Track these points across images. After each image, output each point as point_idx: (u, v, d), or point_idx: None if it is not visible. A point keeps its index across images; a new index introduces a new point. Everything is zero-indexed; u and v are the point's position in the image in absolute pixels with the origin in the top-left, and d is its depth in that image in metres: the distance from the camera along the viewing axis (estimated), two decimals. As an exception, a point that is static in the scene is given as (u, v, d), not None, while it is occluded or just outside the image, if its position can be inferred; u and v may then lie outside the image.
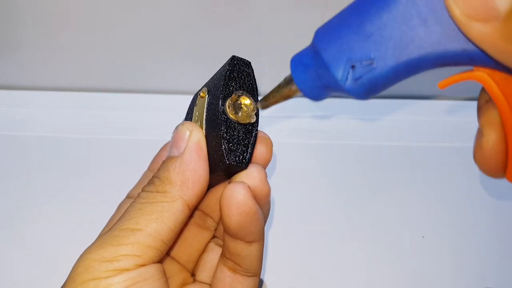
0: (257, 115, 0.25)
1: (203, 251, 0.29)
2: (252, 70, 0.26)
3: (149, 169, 0.32)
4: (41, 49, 0.46)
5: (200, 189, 0.24)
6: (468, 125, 0.46)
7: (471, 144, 0.48)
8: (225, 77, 0.25)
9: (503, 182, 0.44)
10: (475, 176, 0.43)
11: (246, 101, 0.25)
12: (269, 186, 0.25)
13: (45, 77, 0.47)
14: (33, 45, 0.45)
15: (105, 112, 0.45)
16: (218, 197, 0.26)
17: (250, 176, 0.24)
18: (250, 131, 0.25)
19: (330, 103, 0.47)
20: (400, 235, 0.39)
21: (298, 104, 0.46)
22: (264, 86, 0.48)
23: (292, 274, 0.37)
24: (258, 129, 0.25)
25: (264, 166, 0.26)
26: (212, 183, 0.26)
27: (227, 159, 0.24)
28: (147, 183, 0.25)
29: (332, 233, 0.39)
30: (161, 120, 0.45)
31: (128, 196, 0.32)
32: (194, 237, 0.28)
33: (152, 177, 0.25)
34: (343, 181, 0.42)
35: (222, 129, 0.24)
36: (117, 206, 0.39)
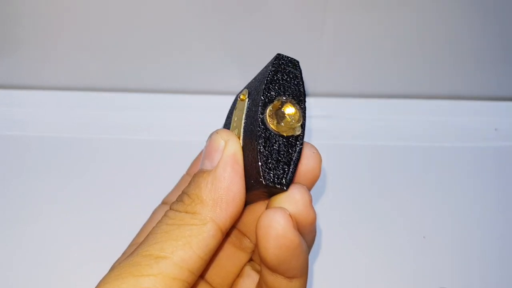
0: (303, 126, 0.21)
1: (239, 275, 0.26)
2: (300, 72, 0.23)
3: (187, 173, 0.29)
4: (40, 48, 0.45)
5: (235, 211, 0.21)
6: (468, 125, 0.46)
7: (471, 144, 0.48)
8: (266, 80, 0.21)
9: (504, 182, 0.44)
10: (475, 176, 0.42)
11: (290, 109, 0.21)
12: (314, 212, 0.22)
13: (45, 76, 0.47)
14: (32, 44, 0.45)
15: (105, 112, 0.45)
16: (257, 216, 0.23)
17: (291, 200, 0.21)
18: (293, 145, 0.21)
19: (331, 103, 0.47)
20: (401, 235, 0.39)
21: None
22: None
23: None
24: (304, 141, 0.22)
25: (310, 186, 0.23)
26: (250, 201, 0.23)
27: (264, 178, 0.20)
28: (176, 200, 0.22)
29: (331, 233, 0.39)
30: (162, 120, 0.45)
31: (163, 202, 0.29)
32: (229, 258, 0.25)
33: (182, 193, 0.22)
34: (343, 181, 0.42)
35: (259, 142, 0.21)
36: (116, 206, 0.39)
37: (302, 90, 0.22)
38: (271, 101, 0.21)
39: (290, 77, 0.22)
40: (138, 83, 0.48)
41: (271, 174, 0.20)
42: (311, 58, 0.46)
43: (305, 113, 0.21)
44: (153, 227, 0.21)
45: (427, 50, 0.46)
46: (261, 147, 0.21)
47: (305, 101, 0.22)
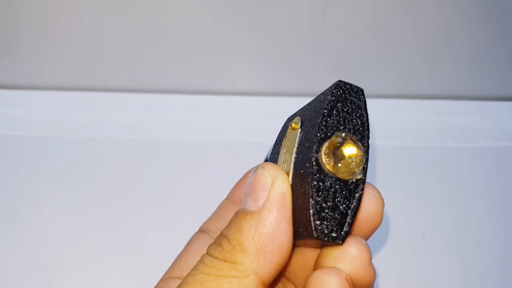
0: (364, 169, 0.18)
1: None
2: (365, 102, 0.19)
3: (228, 198, 0.26)
4: (40, 48, 0.45)
5: (280, 261, 0.18)
6: (468, 125, 0.46)
7: (472, 144, 0.48)
8: (324, 112, 0.18)
9: (504, 182, 0.44)
10: (476, 176, 0.42)
11: (351, 148, 0.18)
12: (374, 271, 0.19)
13: (45, 76, 0.47)
14: (32, 44, 0.45)
15: (105, 112, 0.45)
16: (306, 263, 0.21)
17: (348, 258, 0.18)
18: (352, 191, 0.18)
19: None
20: (401, 235, 0.39)
21: (299, 103, 0.46)
22: (266, 85, 0.48)
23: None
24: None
25: (368, 236, 0.20)
26: (298, 245, 0.21)
27: (315, 230, 0.17)
28: (214, 244, 0.19)
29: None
30: (162, 120, 0.45)
31: (201, 230, 0.27)
32: None
33: (221, 235, 0.19)
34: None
35: (312, 186, 0.18)
36: (116, 206, 0.39)
37: (366, 125, 0.19)
38: (328, 137, 0.18)
39: (352, 109, 0.19)
40: (138, 83, 0.48)
41: (324, 226, 0.17)
42: (310, 57, 0.46)
43: (368, 153, 0.19)
44: (188, 274, 0.19)
45: (427, 50, 0.46)
46: (314, 192, 0.17)
47: (368, 138, 0.19)
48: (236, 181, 0.25)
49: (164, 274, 0.23)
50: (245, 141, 0.44)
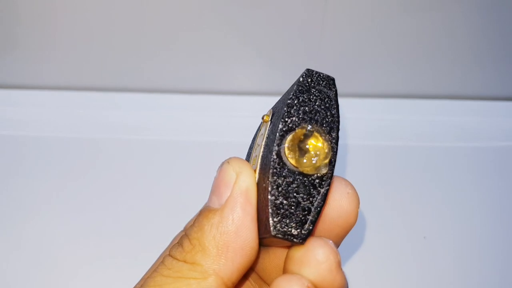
0: (331, 163, 0.17)
1: None
2: (336, 92, 0.18)
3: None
4: (40, 47, 0.45)
5: (244, 262, 0.17)
6: (469, 125, 0.46)
7: (472, 144, 0.48)
8: (288, 103, 0.17)
9: (504, 182, 0.44)
10: (476, 176, 0.42)
11: (316, 141, 0.17)
12: (343, 277, 0.17)
13: (45, 76, 0.47)
14: (32, 43, 0.45)
15: (105, 112, 0.45)
16: (279, 264, 0.20)
17: (312, 262, 0.16)
18: (316, 187, 0.17)
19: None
20: (401, 235, 0.39)
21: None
22: (266, 85, 0.48)
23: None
24: (336, 176, 0.18)
25: (339, 239, 0.18)
26: (268, 245, 0.20)
27: (273, 228, 0.16)
28: (177, 243, 0.18)
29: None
30: (162, 119, 0.45)
31: (185, 228, 0.26)
32: None
33: (184, 234, 0.18)
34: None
35: (272, 182, 0.17)
36: (117, 206, 0.39)
37: (335, 116, 0.18)
38: (292, 129, 0.17)
39: (321, 99, 0.18)
40: (138, 83, 0.48)
41: (283, 223, 0.16)
42: (310, 57, 0.46)
43: (336, 146, 0.17)
44: (149, 276, 0.18)
45: (427, 50, 0.46)
46: (274, 187, 0.17)
47: (338, 130, 0.17)
48: None
49: (145, 274, 0.23)
50: (245, 141, 0.43)
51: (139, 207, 0.39)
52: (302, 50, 0.45)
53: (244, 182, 0.17)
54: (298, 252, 0.17)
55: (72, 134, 0.43)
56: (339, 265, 0.17)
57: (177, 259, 0.18)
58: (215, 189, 0.18)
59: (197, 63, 0.47)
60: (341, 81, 0.48)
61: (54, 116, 0.45)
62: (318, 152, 0.17)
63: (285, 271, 0.18)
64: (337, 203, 0.18)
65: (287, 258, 0.17)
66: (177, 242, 0.18)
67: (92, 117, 0.45)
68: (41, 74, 0.47)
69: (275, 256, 0.20)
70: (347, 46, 0.46)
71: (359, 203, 0.18)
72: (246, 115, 0.46)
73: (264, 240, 0.18)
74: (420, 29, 0.45)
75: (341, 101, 0.47)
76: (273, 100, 0.49)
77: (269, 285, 0.21)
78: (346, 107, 0.46)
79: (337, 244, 0.19)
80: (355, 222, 0.18)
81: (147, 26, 0.44)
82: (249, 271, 0.21)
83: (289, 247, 0.18)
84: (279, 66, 0.46)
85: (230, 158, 0.19)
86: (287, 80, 0.47)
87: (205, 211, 0.18)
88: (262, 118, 0.20)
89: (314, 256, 0.16)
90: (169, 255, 0.18)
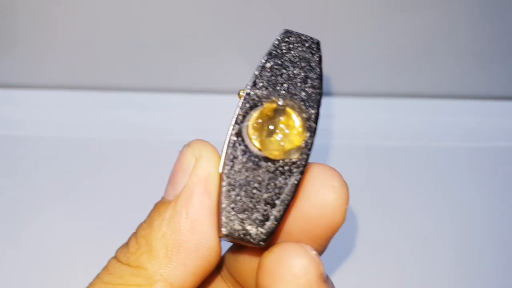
0: (308, 146, 0.14)
1: None
2: (320, 58, 0.15)
3: None
4: (40, 46, 0.45)
5: (200, 265, 0.14)
6: (469, 125, 0.46)
7: (472, 144, 0.48)
8: (255, 73, 0.14)
9: (505, 182, 0.44)
10: (476, 176, 0.42)
11: (289, 119, 0.13)
12: None
13: (44, 75, 0.47)
14: (32, 43, 0.45)
15: (105, 112, 0.45)
16: (254, 268, 0.16)
17: (287, 276, 0.13)
18: (284, 175, 0.13)
19: (331, 103, 0.47)
20: (402, 236, 0.39)
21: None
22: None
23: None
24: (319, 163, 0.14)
25: (325, 242, 0.15)
26: (236, 244, 0.16)
27: (225, 225, 0.13)
28: (125, 243, 0.15)
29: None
30: (163, 119, 0.45)
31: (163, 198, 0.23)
32: None
33: (133, 232, 0.16)
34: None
35: (227, 167, 0.14)
36: (117, 206, 0.39)
37: (316, 88, 0.14)
38: (259, 103, 0.14)
39: (299, 67, 0.14)
40: (139, 82, 0.48)
41: (237, 220, 0.13)
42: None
43: (315, 126, 0.14)
44: (90, 283, 0.15)
45: (427, 49, 0.46)
46: (229, 175, 0.13)
47: (319, 106, 0.14)
48: None
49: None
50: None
51: (140, 206, 0.39)
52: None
53: (203, 168, 0.14)
54: (270, 262, 0.13)
55: (71, 134, 0.43)
56: (321, 278, 0.13)
57: (121, 261, 0.15)
58: (171, 177, 0.15)
59: (198, 63, 0.47)
60: (341, 81, 0.48)
61: (54, 116, 0.45)
62: (289, 132, 0.13)
63: (257, 284, 0.14)
64: (320, 198, 0.14)
65: (258, 268, 0.14)
66: (125, 243, 0.15)
67: (92, 117, 0.45)
68: (40, 74, 0.47)
69: (250, 260, 0.16)
70: (347, 46, 0.46)
71: (348, 199, 0.15)
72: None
73: (232, 240, 0.15)
74: (420, 29, 0.44)
75: (341, 101, 0.47)
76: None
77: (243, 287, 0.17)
78: (346, 107, 0.46)
79: (321, 249, 0.16)
80: (342, 222, 0.15)
81: (148, 25, 0.44)
82: (227, 276, 0.17)
83: (258, 251, 0.14)
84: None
85: (192, 140, 0.15)
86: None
87: (158, 204, 0.15)
88: (238, 94, 0.16)
89: (289, 269, 0.13)
90: (115, 257, 0.16)
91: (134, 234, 0.15)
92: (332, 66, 0.47)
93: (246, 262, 0.16)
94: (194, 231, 0.14)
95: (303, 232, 0.15)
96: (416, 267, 0.37)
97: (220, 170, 0.14)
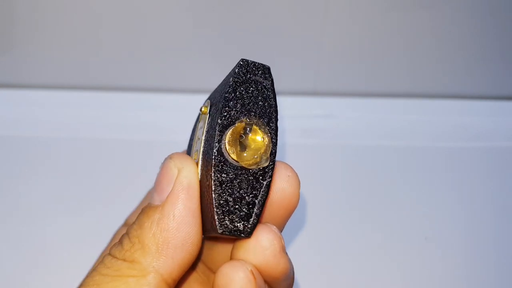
0: (272, 154, 0.17)
1: None
2: (272, 81, 0.18)
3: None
4: (38, 46, 0.45)
5: (185, 258, 0.17)
6: (470, 125, 0.46)
7: (472, 144, 0.48)
8: (225, 96, 0.17)
9: (505, 182, 0.44)
10: (477, 176, 0.42)
11: (256, 133, 0.17)
12: (287, 261, 0.18)
13: (44, 75, 0.47)
14: (30, 42, 0.45)
15: (105, 112, 0.45)
16: (228, 255, 0.20)
17: (257, 248, 0.17)
18: (259, 180, 0.17)
19: (331, 102, 0.47)
20: (403, 236, 0.39)
21: (298, 103, 0.46)
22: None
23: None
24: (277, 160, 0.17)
25: (283, 221, 0.19)
26: (211, 240, 0.20)
27: (220, 226, 0.16)
28: (117, 242, 0.18)
29: (332, 234, 0.39)
30: (163, 119, 0.45)
31: (125, 224, 0.25)
32: None
33: (124, 233, 0.18)
34: (343, 181, 0.42)
35: (214, 180, 0.16)
36: (116, 206, 0.39)
37: (273, 106, 0.17)
38: (231, 124, 0.17)
39: (257, 90, 0.17)
40: (138, 82, 0.48)
41: (228, 220, 0.16)
42: (311, 56, 0.46)
43: (276, 137, 0.17)
44: (87, 275, 0.18)
45: (427, 49, 0.46)
46: (217, 185, 0.16)
47: (276, 121, 0.17)
48: None
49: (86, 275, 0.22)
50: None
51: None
52: (303, 48, 0.45)
53: (186, 177, 0.17)
54: (243, 242, 0.17)
55: (71, 134, 0.43)
56: (283, 249, 0.17)
57: (116, 257, 0.17)
58: (156, 185, 0.18)
59: (197, 63, 0.47)
60: (341, 81, 0.48)
61: (53, 116, 0.45)
62: (259, 145, 0.17)
63: (231, 258, 0.18)
64: (279, 186, 0.18)
65: (233, 247, 0.18)
66: (118, 241, 0.18)
67: (92, 117, 0.45)
68: (39, 74, 0.47)
69: (223, 247, 0.20)
70: (347, 46, 0.46)
71: (299, 185, 0.18)
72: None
73: (211, 235, 0.18)
74: (420, 29, 0.44)
75: (341, 100, 0.47)
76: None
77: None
78: (346, 106, 0.46)
79: (281, 227, 0.20)
80: (297, 203, 0.19)
81: (147, 25, 0.44)
82: (196, 262, 0.21)
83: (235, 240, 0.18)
84: (279, 66, 0.46)
85: (173, 153, 0.18)
86: (287, 80, 0.47)
87: (146, 208, 0.18)
88: (200, 109, 0.19)
89: (259, 243, 0.17)
90: (109, 254, 0.18)
91: (127, 235, 0.18)
92: (332, 66, 0.47)
93: (219, 250, 0.20)
94: (180, 230, 0.17)
95: (269, 214, 0.18)
96: (416, 267, 0.37)
97: (199, 179, 0.17)
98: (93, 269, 0.18)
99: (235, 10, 0.43)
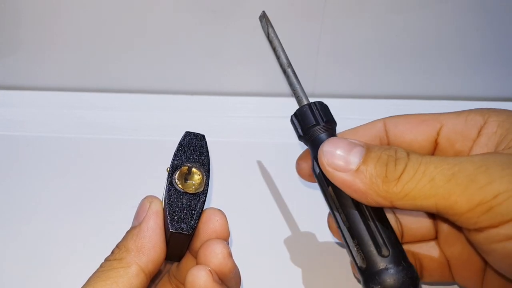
0: (206, 184, 0.27)
1: None
2: (205, 143, 0.29)
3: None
4: (40, 49, 0.46)
5: (156, 255, 0.26)
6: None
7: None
8: (175, 152, 0.28)
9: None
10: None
11: (194, 172, 0.27)
12: (232, 262, 0.26)
13: (44, 77, 0.47)
14: (32, 44, 0.45)
15: (105, 112, 0.45)
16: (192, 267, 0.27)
17: (213, 254, 0.26)
18: (196, 199, 0.27)
19: (330, 104, 0.47)
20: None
21: (297, 103, 0.46)
22: (264, 86, 0.48)
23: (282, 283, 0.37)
24: (212, 208, 0.27)
25: (225, 240, 0.27)
26: (189, 249, 0.29)
27: (171, 226, 0.25)
28: (110, 253, 0.26)
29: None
30: (163, 120, 0.45)
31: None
32: None
33: (115, 246, 0.27)
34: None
35: (168, 199, 0.26)
36: (116, 206, 0.39)
37: (205, 157, 0.28)
38: (179, 166, 0.27)
39: (196, 148, 0.28)
40: (137, 84, 0.48)
41: (177, 223, 0.26)
42: (310, 58, 0.46)
43: (208, 174, 0.27)
44: (91, 276, 0.26)
45: (427, 51, 0.46)
46: (168, 202, 0.26)
47: (208, 165, 0.28)
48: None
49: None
50: (244, 141, 0.44)
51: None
52: (301, 50, 0.46)
53: (155, 206, 0.27)
54: (205, 251, 0.26)
55: (71, 134, 0.44)
56: (230, 255, 0.26)
57: (109, 260, 0.26)
58: (136, 215, 0.27)
59: (198, 64, 0.47)
60: (341, 82, 0.48)
61: (53, 117, 0.45)
62: (196, 178, 0.27)
63: (198, 258, 0.27)
64: (212, 229, 0.27)
65: (197, 255, 0.26)
66: (110, 252, 0.26)
67: (91, 117, 0.45)
68: (41, 76, 0.47)
69: (189, 263, 0.28)
70: (347, 47, 0.46)
71: (226, 223, 0.27)
72: (246, 115, 0.46)
73: (171, 239, 0.26)
74: (420, 30, 0.45)
75: (340, 102, 0.47)
76: (272, 101, 0.50)
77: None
78: (346, 108, 0.46)
79: (226, 241, 0.29)
80: (228, 234, 0.28)
81: (147, 28, 0.44)
82: (171, 278, 0.30)
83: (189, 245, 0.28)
84: (278, 67, 0.46)
85: (146, 196, 0.28)
86: (285, 80, 0.47)
87: (129, 229, 0.27)
88: (167, 169, 0.28)
89: (214, 250, 0.26)
90: (105, 260, 0.26)
91: (116, 247, 0.26)
92: (331, 68, 0.47)
93: (187, 265, 0.29)
94: (151, 239, 0.26)
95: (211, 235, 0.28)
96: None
97: (163, 207, 0.27)
98: (95, 272, 0.25)
99: (236, 12, 0.43)
